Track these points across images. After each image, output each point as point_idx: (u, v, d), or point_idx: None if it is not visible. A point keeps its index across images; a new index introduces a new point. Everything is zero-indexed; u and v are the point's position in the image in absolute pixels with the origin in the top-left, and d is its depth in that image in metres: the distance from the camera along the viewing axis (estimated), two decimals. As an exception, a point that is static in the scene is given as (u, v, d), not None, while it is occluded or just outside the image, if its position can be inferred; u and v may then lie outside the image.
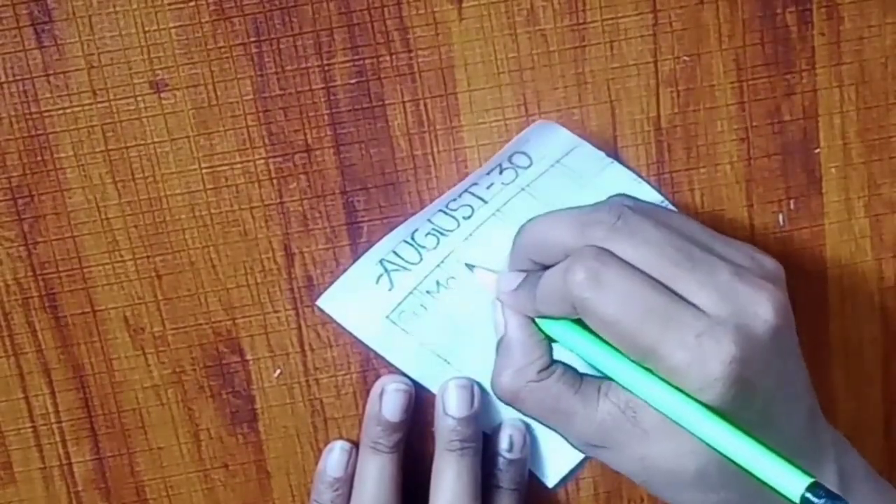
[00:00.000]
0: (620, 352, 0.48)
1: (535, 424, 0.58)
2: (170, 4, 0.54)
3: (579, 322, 0.50)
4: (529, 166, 0.56)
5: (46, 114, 0.55)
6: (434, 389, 0.57)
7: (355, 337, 0.56)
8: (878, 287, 0.60)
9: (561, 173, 0.56)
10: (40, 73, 0.54)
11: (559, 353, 0.52)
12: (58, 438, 0.59)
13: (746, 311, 0.47)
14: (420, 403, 0.58)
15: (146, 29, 0.54)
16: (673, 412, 0.47)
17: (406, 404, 0.57)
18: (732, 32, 0.56)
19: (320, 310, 0.56)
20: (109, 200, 0.56)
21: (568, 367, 0.51)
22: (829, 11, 0.56)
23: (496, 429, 0.58)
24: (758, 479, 0.46)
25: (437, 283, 0.56)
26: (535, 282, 0.51)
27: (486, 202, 0.56)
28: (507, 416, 0.58)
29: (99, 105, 0.55)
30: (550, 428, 0.52)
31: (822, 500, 0.44)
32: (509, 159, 0.56)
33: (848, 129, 0.57)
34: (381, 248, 0.56)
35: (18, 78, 0.54)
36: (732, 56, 0.56)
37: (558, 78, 0.56)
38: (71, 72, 0.54)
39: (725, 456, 0.46)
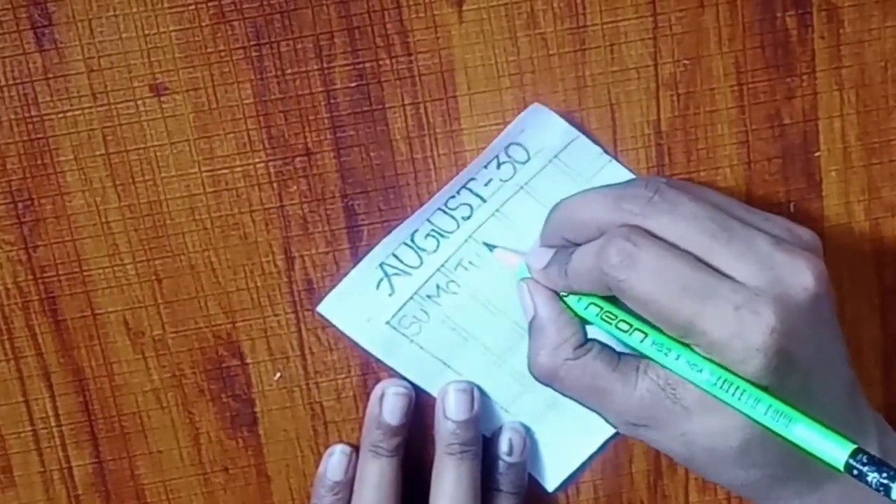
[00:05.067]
0: (655, 327, 0.48)
1: (534, 427, 0.58)
2: (170, 8, 0.54)
3: (609, 300, 0.50)
4: (527, 161, 0.56)
5: (46, 117, 0.55)
6: (434, 393, 0.57)
7: (355, 342, 0.56)
8: (878, 290, 0.60)
9: (559, 171, 0.56)
10: (40, 76, 0.54)
11: (594, 333, 0.52)
12: (58, 442, 0.59)
13: (786, 280, 0.47)
14: (420, 407, 0.58)
15: (146, 32, 0.54)
16: (708, 385, 0.47)
17: (406, 408, 0.57)
18: (732, 36, 0.56)
19: (321, 315, 0.56)
20: (109, 204, 0.56)
21: (605, 346, 0.51)
22: (829, 15, 0.56)
23: (496, 432, 0.58)
24: (801, 448, 0.46)
25: (438, 286, 0.56)
26: (565, 258, 0.51)
27: (484, 201, 0.56)
28: (507, 419, 0.58)
29: (99, 108, 0.55)
30: (589, 408, 0.51)
31: (866, 467, 0.44)
32: (506, 152, 0.56)
33: (848, 132, 0.57)
34: (381, 250, 0.56)
35: (18, 81, 0.54)
36: (732, 59, 0.56)
37: (558, 81, 0.56)
38: (71, 75, 0.54)
39: (766, 426, 0.46)
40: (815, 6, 0.56)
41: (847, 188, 0.58)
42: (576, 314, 0.51)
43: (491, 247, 0.56)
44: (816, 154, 0.58)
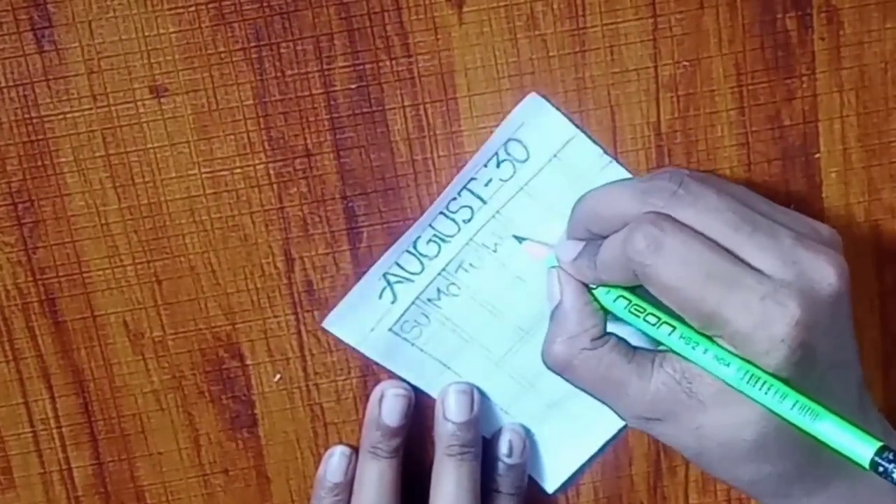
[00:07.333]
0: (682, 320, 0.48)
1: (534, 429, 0.58)
2: (170, 9, 0.54)
3: (638, 293, 0.50)
4: (527, 159, 0.56)
5: (46, 119, 0.55)
6: (434, 394, 0.57)
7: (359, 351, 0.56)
8: (877, 291, 0.60)
9: (559, 171, 0.56)
10: (40, 77, 0.54)
11: (613, 329, 0.52)
12: (57, 443, 0.59)
13: (810, 275, 0.47)
14: (420, 408, 0.58)
15: (146, 34, 0.54)
16: (734, 380, 0.47)
17: (405, 409, 0.57)
18: (732, 37, 0.56)
19: (325, 331, 0.56)
20: (109, 205, 0.56)
21: (622, 339, 0.51)
22: (830, 16, 0.56)
23: (496, 434, 0.58)
24: (825, 445, 0.46)
25: (438, 290, 0.56)
26: (594, 250, 0.51)
27: (485, 202, 0.56)
28: (507, 420, 0.58)
29: (99, 110, 0.55)
30: (601, 401, 0.51)
31: (892, 464, 0.44)
32: (506, 149, 0.56)
33: (848, 133, 0.57)
34: (385, 261, 0.56)
35: (18, 83, 0.54)
36: (732, 61, 0.56)
37: (558, 82, 0.56)
38: (71, 77, 0.54)
39: (790, 422, 0.46)
40: (816, 8, 0.56)
41: (847, 190, 0.58)
42: (603, 307, 0.51)
43: (520, 239, 0.56)
44: (816, 156, 0.58)
